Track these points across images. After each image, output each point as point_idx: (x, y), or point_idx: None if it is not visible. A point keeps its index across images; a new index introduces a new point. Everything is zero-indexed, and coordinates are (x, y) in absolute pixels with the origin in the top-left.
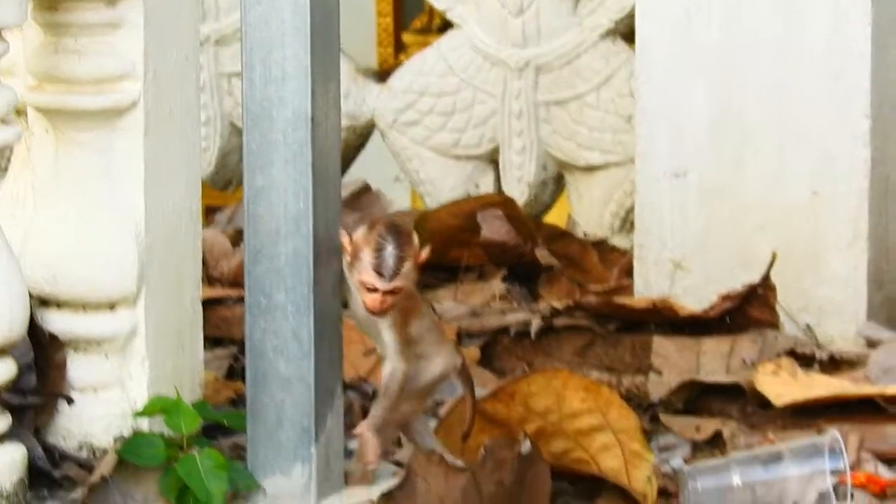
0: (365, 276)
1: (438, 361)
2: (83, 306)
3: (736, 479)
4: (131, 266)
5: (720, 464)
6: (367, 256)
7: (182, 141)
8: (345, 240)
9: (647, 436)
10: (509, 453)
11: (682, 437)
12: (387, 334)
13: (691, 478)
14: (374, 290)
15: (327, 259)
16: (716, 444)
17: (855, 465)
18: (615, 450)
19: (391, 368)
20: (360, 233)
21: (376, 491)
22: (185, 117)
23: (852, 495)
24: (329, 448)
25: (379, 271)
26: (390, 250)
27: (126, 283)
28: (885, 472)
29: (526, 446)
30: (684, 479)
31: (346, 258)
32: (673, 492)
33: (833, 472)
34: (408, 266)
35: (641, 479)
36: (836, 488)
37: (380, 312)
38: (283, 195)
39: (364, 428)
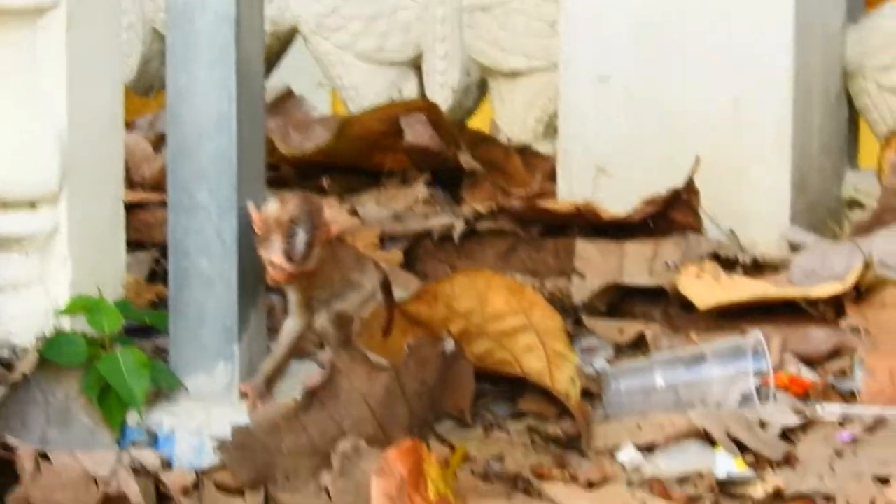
0: (274, 258)
1: (356, 297)
2: (3, 204)
3: (659, 381)
4: (53, 165)
5: (643, 365)
6: (277, 241)
7: (104, 43)
8: (255, 216)
9: (571, 338)
10: (432, 352)
11: (605, 340)
12: (290, 293)
13: (614, 379)
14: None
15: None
16: (639, 346)
17: (778, 367)
18: (538, 351)
19: (290, 325)
20: (271, 211)
21: (300, 389)
22: (107, 19)
23: (775, 396)
24: (252, 347)
25: (289, 256)
26: (301, 236)
27: (47, 182)
28: (807, 374)
29: (449, 345)
30: (607, 380)
31: (258, 231)
32: (596, 393)
33: (756, 374)
34: (317, 251)
35: (564, 381)
36: (758, 389)
37: (282, 284)
38: (206, 95)
39: (249, 388)
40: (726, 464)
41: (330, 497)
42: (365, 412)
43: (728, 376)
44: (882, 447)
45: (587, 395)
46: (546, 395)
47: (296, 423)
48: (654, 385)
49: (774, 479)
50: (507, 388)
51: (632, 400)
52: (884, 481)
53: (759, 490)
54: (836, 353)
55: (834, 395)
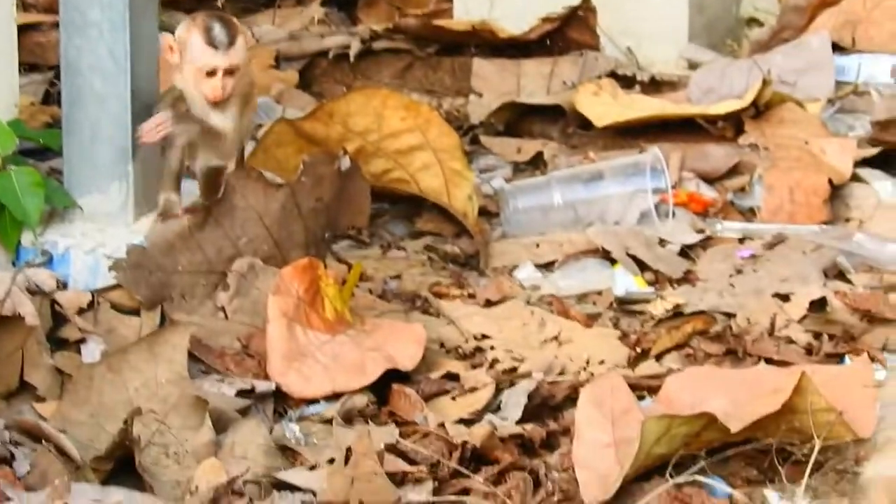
0: (200, 59)
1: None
2: None
3: (557, 198)
4: None
5: (541, 182)
6: (196, 39)
7: None
8: (166, 41)
9: (468, 157)
10: (328, 169)
11: (503, 159)
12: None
13: (512, 197)
14: (213, 73)
15: None
16: (537, 164)
17: (677, 184)
18: (435, 168)
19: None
20: (181, 27)
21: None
22: None
23: (674, 214)
24: (146, 167)
25: (212, 44)
26: (219, 25)
27: None
28: (706, 191)
29: (345, 163)
30: (505, 198)
31: (174, 60)
32: (494, 212)
33: (654, 191)
34: (241, 41)
35: (462, 199)
36: (657, 207)
37: (222, 98)
38: None
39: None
40: (625, 281)
41: (226, 316)
42: (260, 230)
43: (626, 194)
44: (781, 264)
45: (485, 213)
46: (444, 214)
47: (191, 241)
48: (552, 203)
49: (674, 297)
50: (404, 208)
51: (530, 218)
52: (784, 298)
53: (658, 307)
54: (735, 171)
55: (733, 213)
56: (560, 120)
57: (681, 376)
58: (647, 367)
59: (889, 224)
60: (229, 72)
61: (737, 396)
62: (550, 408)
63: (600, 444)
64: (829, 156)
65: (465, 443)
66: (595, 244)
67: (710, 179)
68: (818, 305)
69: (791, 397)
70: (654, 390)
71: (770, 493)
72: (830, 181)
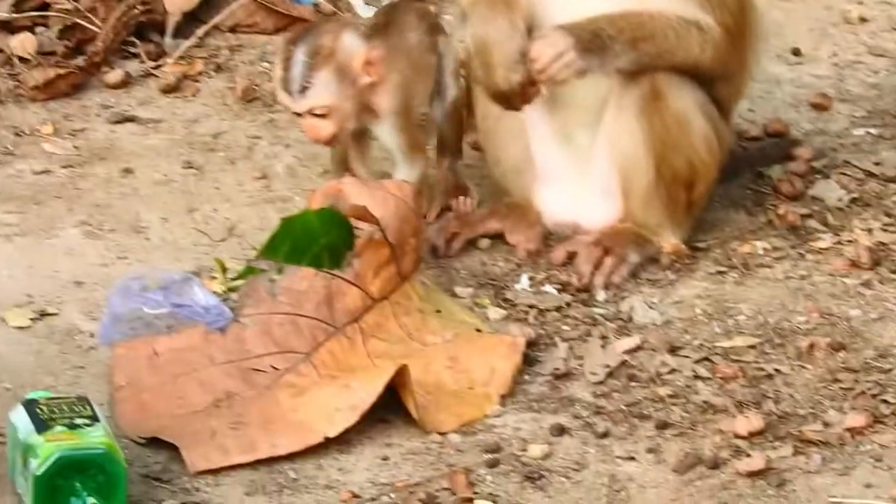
0: (279, 97)
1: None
2: None
3: None
4: None
5: None
6: (277, 69)
7: None
8: None
9: None
10: None
11: None
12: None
13: None
14: (298, 115)
15: None
16: None
17: None
18: None
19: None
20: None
21: None
22: None
23: None
24: None
25: (286, 87)
26: (299, 58)
27: None
28: None
29: None
30: None
31: None
32: None
33: None
34: (326, 77)
35: None
36: None
37: (326, 144)
38: None
39: None
40: None
41: None
42: None
43: None
44: None
45: None
46: None
47: None
48: None
49: None
50: None
51: None
52: None
53: None
54: None
55: None
56: None
57: None
58: None
59: None
60: (318, 115)
61: None
62: None
63: None
64: None
65: None
66: None
67: None
68: None
69: None
70: None
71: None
72: None
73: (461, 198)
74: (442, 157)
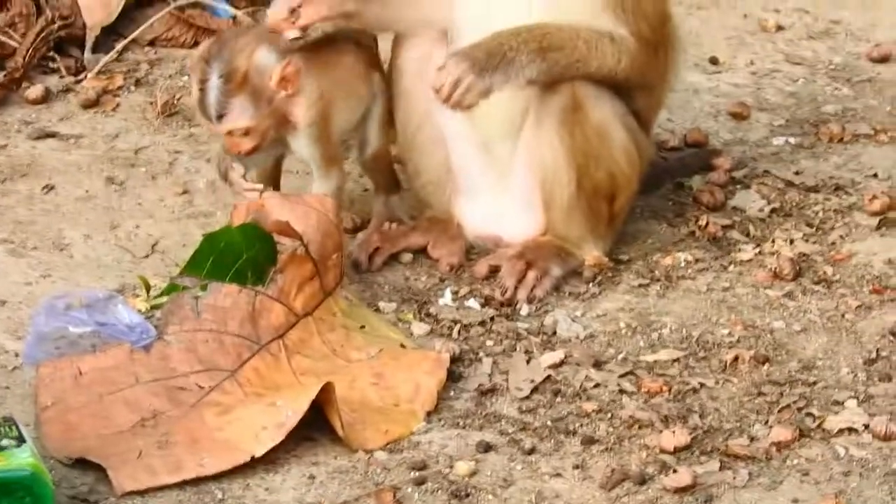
0: (197, 117)
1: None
2: None
3: None
4: None
5: None
6: (193, 90)
7: None
8: None
9: None
10: None
11: None
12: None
13: None
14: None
15: None
16: None
17: None
18: None
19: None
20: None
21: None
22: None
23: None
24: None
25: (203, 112)
26: (214, 82)
27: None
28: None
29: None
30: None
31: None
32: None
33: None
34: (242, 101)
35: None
36: None
37: (245, 154)
38: None
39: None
40: None
41: None
42: None
43: None
44: None
45: None
46: None
47: None
48: None
49: None
50: None
51: None
52: None
53: None
54: None
55: None
56: None
57: None
58: None
59: None
60: (243, 132)
61: None
62: None
63: None
64: None
65: None
66: None
67: None
68: None
69: None
70: None
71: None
72: None
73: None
74: (377, 194)
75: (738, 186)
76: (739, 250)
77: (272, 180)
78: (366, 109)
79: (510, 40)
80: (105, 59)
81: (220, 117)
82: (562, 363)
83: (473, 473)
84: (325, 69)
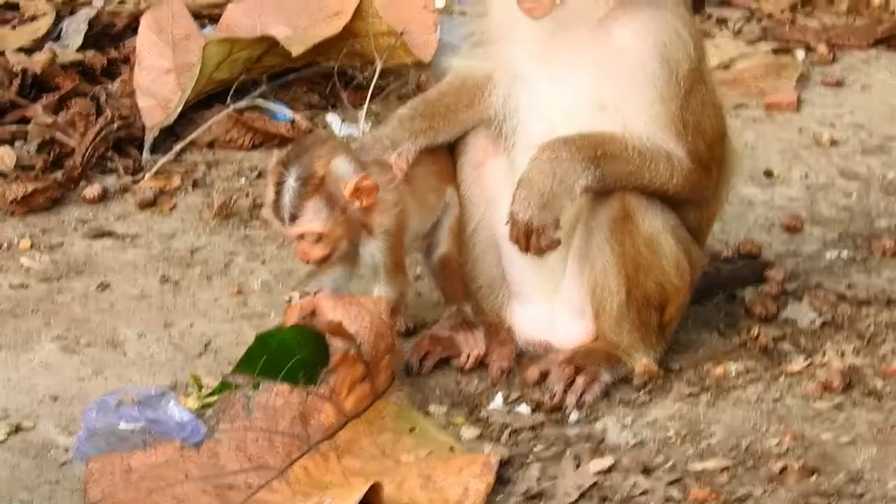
0: (269, 220)
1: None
2: None
3: None
4: None
5: None
6: (269, 192)
7: None
8: None
9: None
10: None
11: None
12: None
13: None
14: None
15: None
16: None
17: None
18: None
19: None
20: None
21: None
22: None
23: None
24: None
25: (277, 213)
26: (290, 184)
27: None
28: None
29: None
30: None
31: None
32: None
33: None
34: (315, 205)
35: None
36: None
37: (316, 263)
38: None
39: None
40: None
41: None
42: None
43: None
44: None
45: None
46: None
47: None
48: None
49: None
50: None
51: None
52: None
53: None
54: None
55: None
56: None
57: (241, 4)
58: None
59: None
60: (317, 238)
61: (298, 21)
62: (111, 36)
63: (161, 70)
64: None
65: (24, 70)
66: None
67: None
68: None
69: (352, 20)
70: (215, 19)
71: (332, 117)
72: None
73: (468, 334)
74: (448, 303)
75: (791, 298)
76: (790, 361)
77: None
78: (437, 219)
79: (563, 150)
80: (163, 159)
81: (293, 218)
82: (610, 469)
83: None
84: (407, 180)
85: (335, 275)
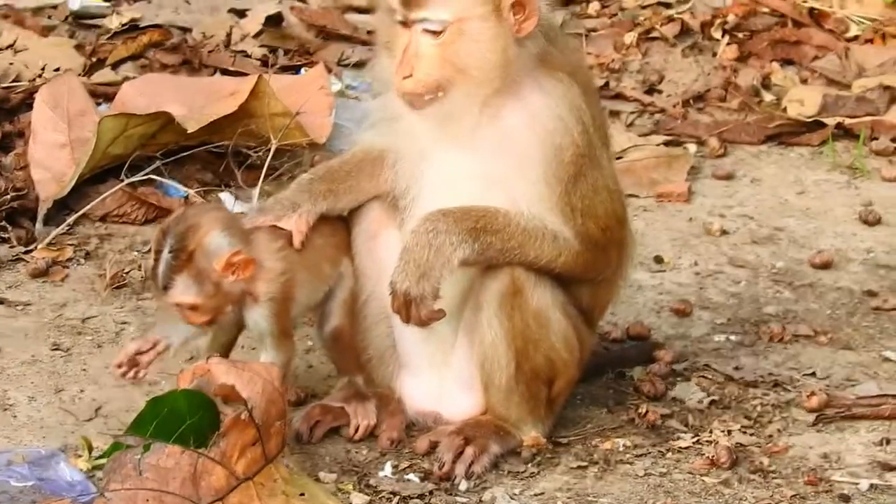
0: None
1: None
2: None
3: None
4: None
5: None
6: (150, 259)
7: None
8: None
9: None
10: None
11: None
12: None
13: None
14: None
15: None
16: None
17: None
18: None
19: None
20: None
21: None
22: None
23: None
24: None
25: (154, 281)
26: (165, 255)
27: None
28: None
29: None
30: None
31: None
32: None
33: None
34: (185, 279)
35: None
36: None
37: (202, 325)
38: None
39: None
40: None
41: None
42: None
43: None
44: None
45: None
46: None
47: None
48: None
49: (130, 12)
50: None
51: None
52: (240, 14)
53: (114, 21)
54: None
55: None
56: None
57: (137, 82)
58: (104, 76)
59: None
60: (190, 307)
61: (194, 101)
62: (6, 111)
63: (56, 145)
64: None
65: None
66: None
67: None
68: (274, 21)
69: (248, 100)
70: (110, 97)
71: (225, 196)
72: None
73: (359, 405)
74: (340, 374)
75: (679, 379)
76: (678, 438)
77: (224, 349)
78: (329, 289)
79: (441, 221)
80: (56, 231)
81: (165, 289)
82: None
83: None
84: (292, 248)
85: (186, 329)
